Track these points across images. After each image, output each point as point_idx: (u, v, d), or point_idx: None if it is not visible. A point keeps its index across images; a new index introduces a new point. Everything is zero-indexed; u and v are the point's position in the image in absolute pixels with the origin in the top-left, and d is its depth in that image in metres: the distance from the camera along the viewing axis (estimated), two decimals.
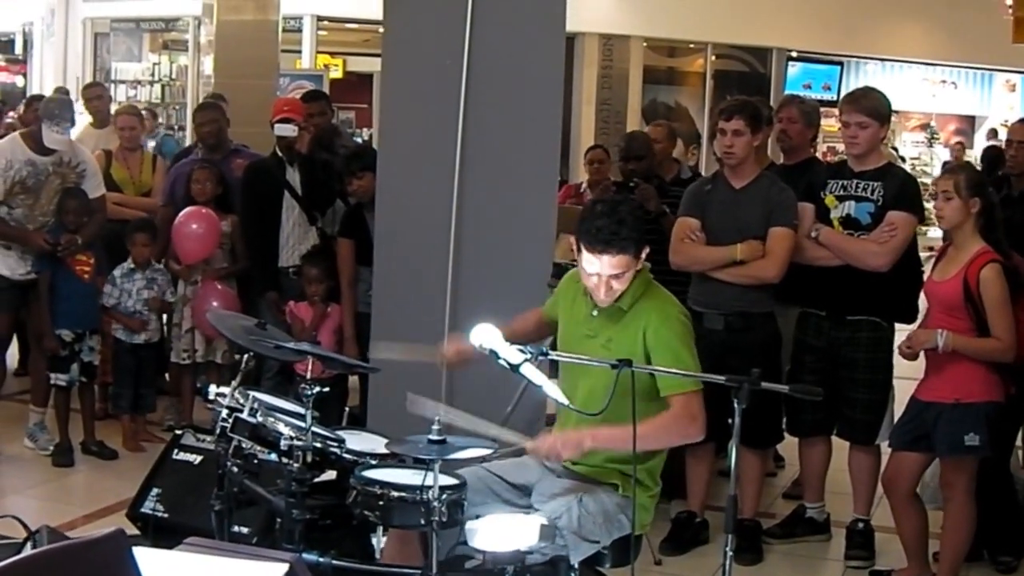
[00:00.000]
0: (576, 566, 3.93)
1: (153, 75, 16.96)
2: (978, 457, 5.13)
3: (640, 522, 4.12)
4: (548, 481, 4.17)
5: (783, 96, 8.61)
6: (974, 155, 20.63)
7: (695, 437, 4.07)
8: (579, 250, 4.05)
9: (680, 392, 3.98)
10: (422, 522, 3.71)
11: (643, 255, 4.06)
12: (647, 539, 4.31)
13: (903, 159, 19.89)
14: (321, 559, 3.90)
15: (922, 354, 5.19)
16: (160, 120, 15.51)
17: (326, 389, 4.19)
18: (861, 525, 5.87)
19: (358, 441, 4.36)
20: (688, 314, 4.26)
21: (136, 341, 7.09)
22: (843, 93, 11.45)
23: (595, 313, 4.16)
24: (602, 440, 3.94)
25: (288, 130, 7.03)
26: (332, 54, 17.93)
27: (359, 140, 13.77)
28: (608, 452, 4.07)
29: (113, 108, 9.15)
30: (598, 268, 4.00)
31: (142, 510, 5.31)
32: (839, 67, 20.05)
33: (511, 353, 3.74)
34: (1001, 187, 6.48)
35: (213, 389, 4.42)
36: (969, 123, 22.92)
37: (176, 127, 16.30)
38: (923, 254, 6.12)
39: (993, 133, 20.62)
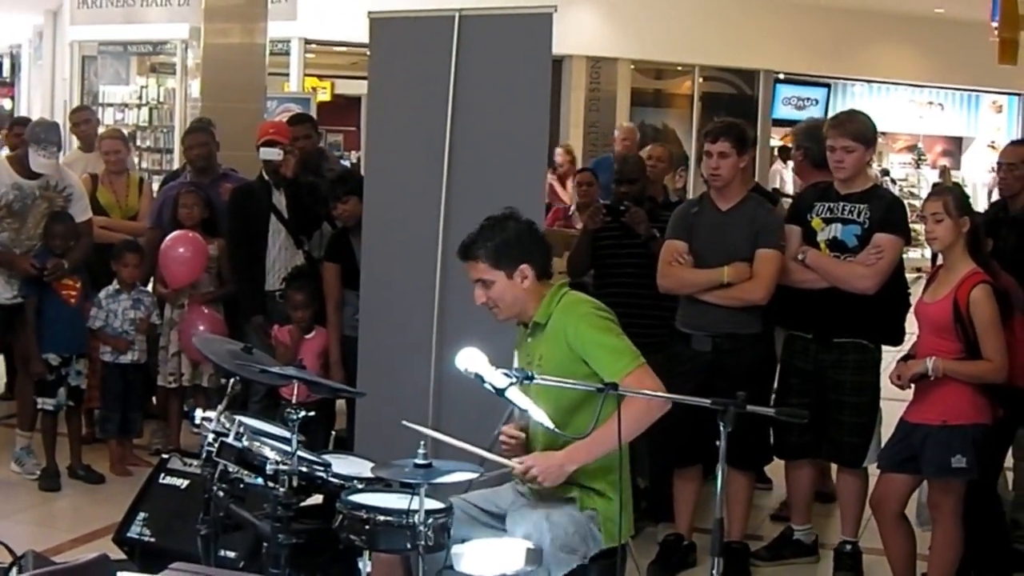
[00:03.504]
0: None
1: (141, 98, 16.98)
2: (965, 479, 5.13)
3: (608, 534, 4.11)
4: (518, 505, 4.20)
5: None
6: (960, 176, 20.78)
7: (666, 406, 3.98)
8: None
9: (627, 373, 3.96)
10: (408, 546, 3.71)
11: (516, 271, 4.16)
12: (635, 562, 4.29)
13: (893, 181, 19.95)
14: None
15: None
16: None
17: (311, 413, 4.18)
18: (849, 547, 5.86)
19: (344, 465, 4.36)
20: (603, 306, 4.24)
21: (123, 361, 7.07)
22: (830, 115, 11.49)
23: (530, 339, 4.25)
24: (582, 457, 3.96)
25: (273, 153, 7.01)
26: (320, 77, 17.95)
27: (347, 163, 13.76)
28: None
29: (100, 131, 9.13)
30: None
31: (129, 535, 5.29)
32: (827, 89, 20.13)
33: (497, 377, 3.74)
34: (998, 211, 6.51)
35: (199, 413, 4.41)
36: (956, 144, 23.00)
37: (164, 150, 16.33)
38: (910, 276, 6.13)
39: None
